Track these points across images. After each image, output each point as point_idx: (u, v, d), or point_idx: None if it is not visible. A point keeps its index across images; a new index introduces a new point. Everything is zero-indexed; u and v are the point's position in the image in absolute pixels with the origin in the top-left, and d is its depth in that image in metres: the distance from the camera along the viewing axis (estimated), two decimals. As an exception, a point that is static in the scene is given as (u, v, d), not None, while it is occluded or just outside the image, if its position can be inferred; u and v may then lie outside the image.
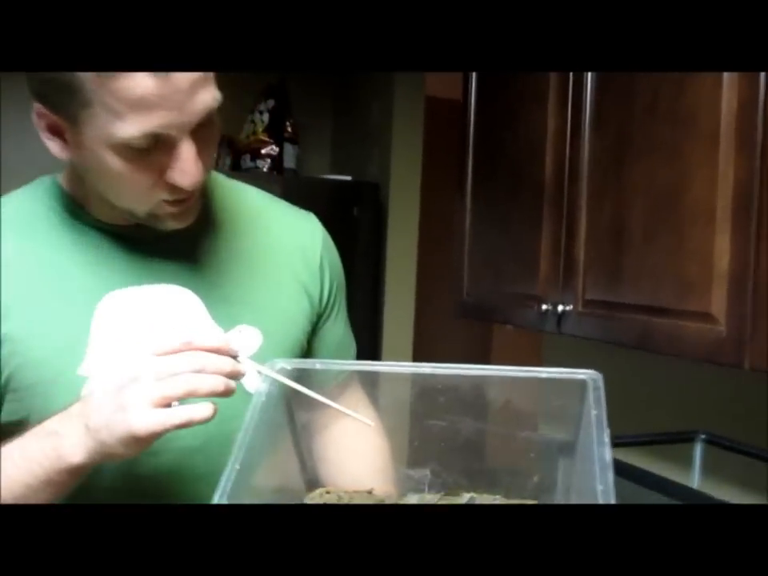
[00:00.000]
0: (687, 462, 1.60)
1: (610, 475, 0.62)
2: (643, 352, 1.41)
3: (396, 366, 0.82)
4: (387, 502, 0.82)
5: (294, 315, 0.93)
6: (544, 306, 1.64)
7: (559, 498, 0.79)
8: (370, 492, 0.85)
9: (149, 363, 0.70)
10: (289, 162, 3.27)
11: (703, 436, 1.59)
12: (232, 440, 0.70)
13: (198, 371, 0.69)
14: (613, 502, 0.60)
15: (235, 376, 0.72)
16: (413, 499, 0.80)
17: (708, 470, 1.59)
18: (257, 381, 0.77)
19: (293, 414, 0.81)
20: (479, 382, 0.78)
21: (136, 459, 0.74)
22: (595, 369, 0.74)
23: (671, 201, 1.34)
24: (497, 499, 0.79)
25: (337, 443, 0.92)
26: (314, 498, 0.82)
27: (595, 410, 0.68)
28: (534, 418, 0.78)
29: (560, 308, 1.60)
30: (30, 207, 0.85)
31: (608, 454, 0.64)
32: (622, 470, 0.81)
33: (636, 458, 1.56)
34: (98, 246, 0.84)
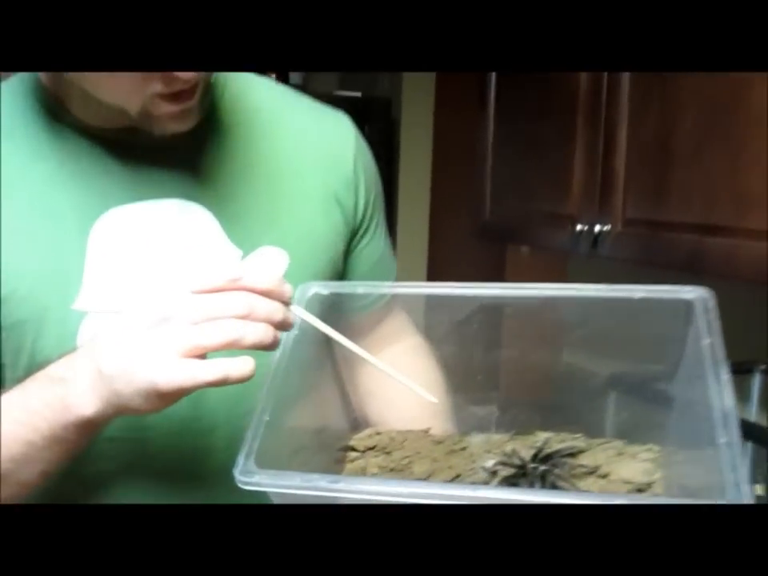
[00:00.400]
0: (745, 395, 1.50)
1: (735, 424, 0.50)
2: (687, 276, 1.30)
3: (452, 288, 0.69)
4: (447, 443, 0.71)
5: (326, 232, 0.79)
6: (578, 227, 1.51)
7: (643, 438, 0.68)
8: (426, 432, 0.74)
9: (183, 302, 0.56)
10: (295, 78, 3.11)
11: (762, 367, 1.48)
12: (256, 384, 0.58)
13: (244, 317, 0.56)
14: (738, 457, 0.49)
15: (286, 327, 0.59)
16: (477, 439, 0.69)
17: (767, 402, 1.49)
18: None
19: (332, 345, 0.69)
20: (555, 303, 0.66)
21: None
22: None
23: (729, 104, 1.19)
24: (578, 438, 0.68)
25: (382, 377, 0.81)
26: (362, 440, 0.71)
27: (708, 339, 0.56)
28: (619, 346, 0.66)
29: (596, 228, 1.46)
30: (6, 109, 0.71)
31: (729, 396, 0.52)
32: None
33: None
34: (88, 155, 0.70)
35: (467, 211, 2.03)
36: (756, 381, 1.48)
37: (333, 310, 0.72)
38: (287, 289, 0.59)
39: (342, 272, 0.83)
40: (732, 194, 1.16)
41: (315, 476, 0.50)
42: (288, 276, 0.72)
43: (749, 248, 1.13)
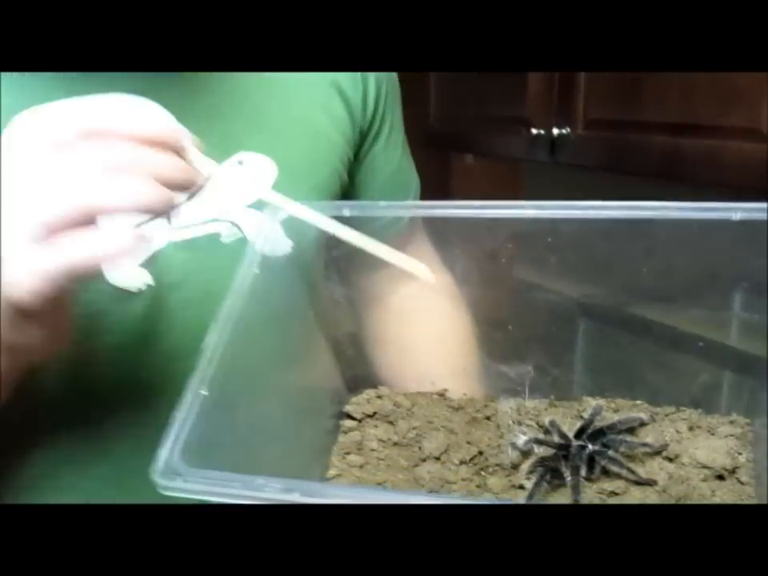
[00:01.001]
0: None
1: None
2: (661, 183, 1.16)
3: (473, 209, 0.52)
4: (467, 409, 0.56)
5: (326, 132, 0.62)
6: (534, 131, 1.40)
7: (725, 407, 0.52)
8: (441, 395, 0.58)
9: (28, 171, 0.41)
10: None
11: (745, 284, 1.34)
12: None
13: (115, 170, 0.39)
14: None
15: (185, 184, 0.42)
16: (505, 406, 0.54)
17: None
18: (255, 232, 0.49)
19: (314, 286, 0.54)
20: (614, 229, 0.49)
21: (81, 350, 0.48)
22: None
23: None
24: (639, 406, 0.52)
25: (394, 322, 0.64)
26: (359, 405, 0.56)
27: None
28: (700, 288, 0.50)
29: (554, 132, 1.35)
30: None
31: None
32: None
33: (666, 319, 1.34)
34: None
35: (408, 117, 1.90)
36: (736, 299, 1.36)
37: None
38: (181, 131, 0.43)
39: (348, 187, 0.66)
40: (714, 87, 1.05)
41: (261, 480, 0.35)
42: (277, 188, 0.56)
43: (733, 148, 1.03)
